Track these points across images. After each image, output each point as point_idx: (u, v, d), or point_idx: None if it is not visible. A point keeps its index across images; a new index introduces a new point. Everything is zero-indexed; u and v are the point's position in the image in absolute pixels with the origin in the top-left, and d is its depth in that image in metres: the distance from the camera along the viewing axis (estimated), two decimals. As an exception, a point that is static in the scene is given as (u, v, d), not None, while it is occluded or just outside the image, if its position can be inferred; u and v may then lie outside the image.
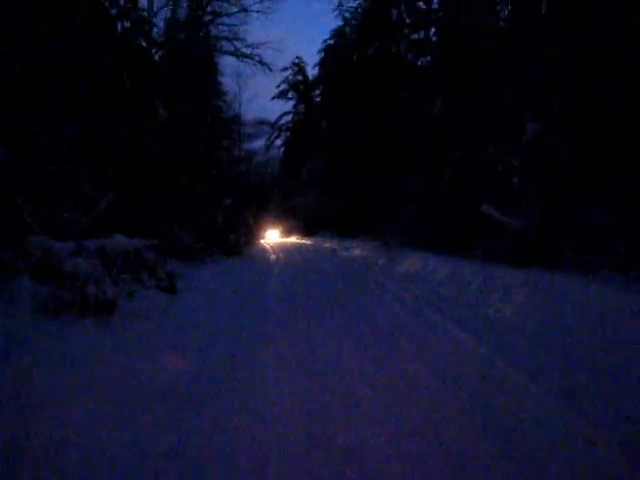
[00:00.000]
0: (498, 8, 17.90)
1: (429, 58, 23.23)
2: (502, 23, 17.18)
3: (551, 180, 9.68)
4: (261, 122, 44.30)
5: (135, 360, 5.10)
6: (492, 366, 5.22)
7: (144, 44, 17.73)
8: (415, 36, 25.87)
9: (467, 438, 3.58)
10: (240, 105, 34.04)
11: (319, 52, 37.08)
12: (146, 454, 3.37)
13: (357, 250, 22.04)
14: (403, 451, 3.41)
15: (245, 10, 22.89)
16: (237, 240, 21.21)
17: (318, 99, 41.41)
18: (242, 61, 24.76)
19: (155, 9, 19.53)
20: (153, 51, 18.90)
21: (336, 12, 33.24)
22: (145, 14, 18.37)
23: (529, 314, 7.19)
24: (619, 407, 3.98)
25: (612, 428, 3.62)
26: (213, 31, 23.35)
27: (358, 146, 26.75)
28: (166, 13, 20.50)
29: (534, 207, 10.16)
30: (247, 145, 39.69)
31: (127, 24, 15.89)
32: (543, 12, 13.20)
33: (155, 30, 19.40)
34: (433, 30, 22.59)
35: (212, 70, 22.25)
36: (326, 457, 3.33)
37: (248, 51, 24.07)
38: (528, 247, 10.16)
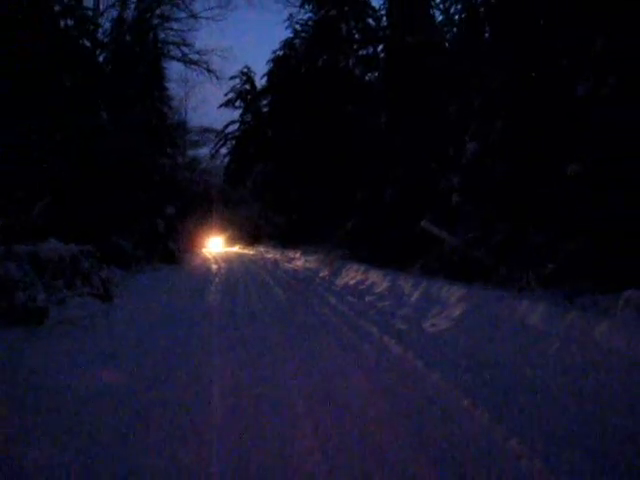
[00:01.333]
0: (445, 29, 18.44)
1: (376, 74, 23.66)
2: (447, 44, 17.68)
3: (488, 199, 9.99)
4: (207, 130, 43.97)
5: (62, 369, 4.91)
6: (426, 378, 5.32)
7: (88, 44, 17.30)
8: (363, 52, 26.39)
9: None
10: (186, 112, 33.66)
11: (268, 62, 37.12)
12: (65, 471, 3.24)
13: (299, 261, 22.06)
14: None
15: (194, 16, 22.85)
16: (178, 248, 20.89)
17: (265, 109, 41.37)
18: (189, 67, 24.70)
19: (101, 9, 19.18)
20: (97, 52, 18.49)
21: (287, 24, 33.40)
22: (90, 13, 17.99)
23: (465, 329, 7.35)
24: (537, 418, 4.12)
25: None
26: (161, 35, 23.11)
27: (303, 158, 26.86)
28: (112, 14, 20.14)
29: (471, 225, 10.45)
30: (192, 152, 39.27)
31: (71, 22, 15.48)
32: (487, 36, 13.70)
33: (100, 31, 19.01)
34: (381, 47, 23.07)
35: (158, 75, 21.88)
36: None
37: (196, 57, 23.94)
38: (465, 263, 10.42)
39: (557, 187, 8.50)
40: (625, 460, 3.38)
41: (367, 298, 11.10)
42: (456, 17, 17.19)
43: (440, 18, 18.53)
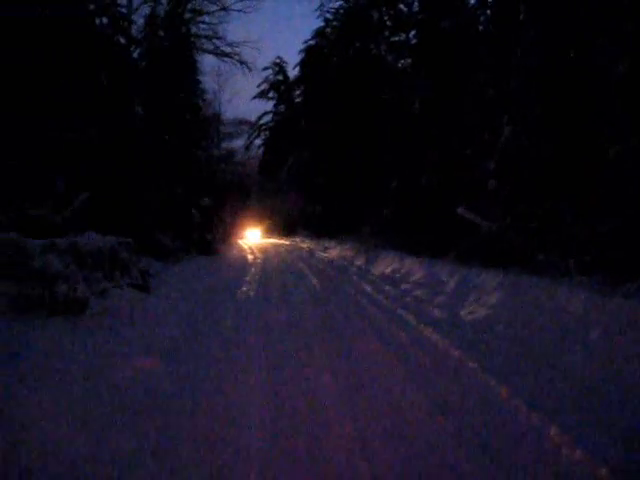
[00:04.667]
0: (478, 12, 18.03)
1: (409, 60, 23.33)
2: (481, 27, 17.29)
3: (524, 185, 9.77)
4: (241, 122, 44.12)
5: (102, 359, 5.00)
6: (462, 366, 5.25)
7: (123, 41, 17.51)
8: (395, 38, 26.02)
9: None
10: (220, 104, 33.78)
11: (300, 52, 37.02)
12: (109, 459, 3.30)
13: (335, 251, 22.05)
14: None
15: (225, 9, 22.85)
16: (214, 239, 21.10)
17: (298, 99, 41.33)
18: (222, 60, 24.75)
19: (134, 6, 19.36)
20: (132, 48, 18.70)
21: (317, 13, 33.22)
22: (124, 10, 18.17)
23: (502, 316, 7.23)
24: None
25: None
26: (193, 29, 23.21)
27: (338, 147, 26.77)
28: (145, 10, 20.33)
29: (508, 210, 10.24)
30: (227, 144, 39.50)
31: (105, 20, 15.68)
32: (521, 12, 13.34)
33: (134, 27, 19.21)
34: (413, 32, 22.71)
35: (192, 68, 22.06)
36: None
37: (228, 50, 24.01)
38: (502, 249, 10.23)
39: (598, 171, 8.26)
40: None
41: (403, 286, 11.03)
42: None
43: (473, 1, 18.14)
